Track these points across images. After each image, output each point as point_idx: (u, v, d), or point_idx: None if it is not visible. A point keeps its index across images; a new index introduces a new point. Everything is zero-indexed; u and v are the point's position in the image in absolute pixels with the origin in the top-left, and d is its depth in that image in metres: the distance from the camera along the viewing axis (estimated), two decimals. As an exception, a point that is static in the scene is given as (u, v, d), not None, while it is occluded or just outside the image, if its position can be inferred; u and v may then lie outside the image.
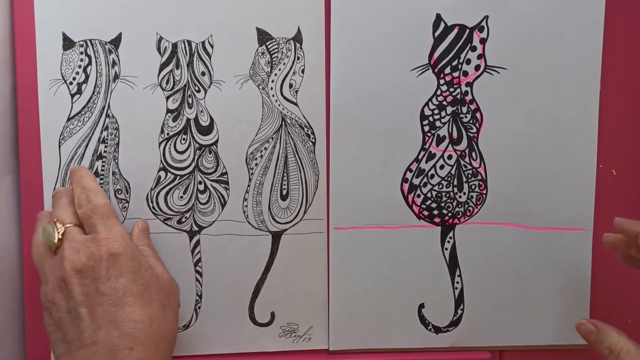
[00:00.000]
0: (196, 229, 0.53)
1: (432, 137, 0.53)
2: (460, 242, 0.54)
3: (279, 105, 0.52)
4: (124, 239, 0.45)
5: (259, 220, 0.53)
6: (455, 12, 0.52)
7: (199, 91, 0.52)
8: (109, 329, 0.41)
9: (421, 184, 0.53)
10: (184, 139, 0.52)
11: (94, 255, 0.43)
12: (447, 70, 0.52)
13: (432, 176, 0.53)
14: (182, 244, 0.53)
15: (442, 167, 0.53)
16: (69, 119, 0.52)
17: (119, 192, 0.52)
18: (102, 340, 0.41)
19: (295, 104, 0.52)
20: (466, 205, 0.53)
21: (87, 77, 0.51)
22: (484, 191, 0.53)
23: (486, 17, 0.52)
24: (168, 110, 0.52)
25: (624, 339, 0.45)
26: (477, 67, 0.52)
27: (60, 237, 0.45)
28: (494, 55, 0.52)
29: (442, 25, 0.52)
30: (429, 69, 0.52)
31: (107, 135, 0.52)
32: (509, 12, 0.52)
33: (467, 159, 0.53)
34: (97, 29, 0.51)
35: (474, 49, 0.52)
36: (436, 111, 0.53)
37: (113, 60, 0.51)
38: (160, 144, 0.52)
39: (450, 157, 0.53)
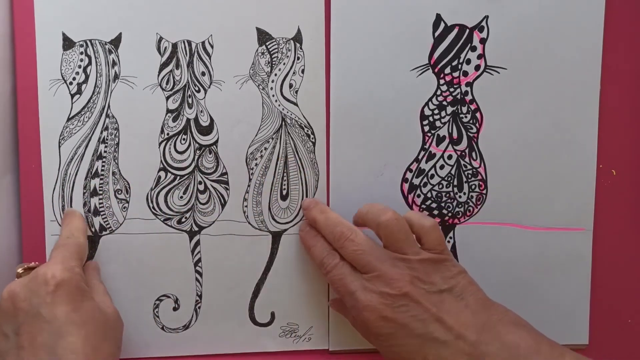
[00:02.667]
0: (196, 229, 0.53)
1: (432, 137, 0.53)
2: (460, 242, 0.54)
3: (279, 105, 0.52)
4: (72, 269, 0.44)
5: (259, 220, 0.53)
6: (455, 12, 0.52)
7: (199, 91, 0.52)
8: None
9: (421, 184, 0.53)
10: (184, 139, 0.52)
11: (37, 278, 0.42)
12: (447, 70, 0.52)
13: (432, 176, 0.53)
14: (182, 244, 0.53)
15: (442, 167, 0.53)
16: (69, 119, 0.52)
17: (119, 192, 0.52)
18: None
19: (295, 104, 0.52)
20: (466, 205, 0.53)
21: (87, 77, 0.51)
22: (484, 191, 0.53)
23: (486, 17, 0.52)
24: (168, 110, 0.52)
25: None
26: (477, 67, 0.52)
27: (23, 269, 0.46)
28: (494, 55, 0.52)
29: (442, 25, 0.52)
30: (429, 69, 0.52)
31: (107, 135, 0.52)
32: (509, 12, 0.52)
33: (467, 159, 0.53)
34: (97, 29, 0.51)
35: (474, 49, 0.52)
36: (436, 111, 0.53)
37: (113, 60, 0.51)
38: (160, 144, 0.52)
39: (450, 157, 0.53)
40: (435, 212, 0.53)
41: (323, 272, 0.48)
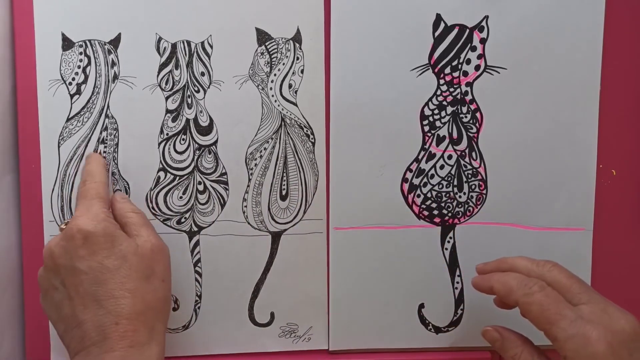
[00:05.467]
0: (196, 229, 0.53)
1: (432, 137, 0.53)
2: (460, 242, 0.54)
3: (279, 105, 0.52)
4: (96, 216, 0.45)
5: (259, 220, 0.53)
6: (455, 12, 0.51)
7: (198, 91, 0.52)
8: (94, 308, 0.43)
9: (421, 184, 0.53)
10: (183, 139, 0.52)
11: (66, 234, 0.44)
12: (447, 70, 0.52)
13: (432, 176, 0.53)
14: (182, 244, 0.53)
15: (442, 167, 0.53)
16: (68, 119, 0.52)
17: (119, 193, 0.52)
18: (89, 319, 0.42)
19: (295, 104, 0.52)
20: (466, 205, 0.53)
21: (86, 77, 0.51)
22: (484, 191, 0.53)
23: (486, 17, 0.52)
24: (167, 111, 0.52)
25: (527, 348, 0.44)
26: (477, 67, 0.52)
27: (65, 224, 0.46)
28: (494, 55, 0.52)
29: (442, 25, 0.52)
30: (429, 69, 0.52)
31: (107, 136, 0.52)
32: (509, 12, 0.52)
33: (467, 159, 0.53)
34: (97, 29, 0.51)
35: (474, 49, 0.52)
36: (436, 111, 0.52)
37: (112, 60, 0.51)
38: (159, 144, 0.52)
39: (450, 157, 0.53)
40: (435, 212, 0.53)
41: (523, 295, 0.42)
